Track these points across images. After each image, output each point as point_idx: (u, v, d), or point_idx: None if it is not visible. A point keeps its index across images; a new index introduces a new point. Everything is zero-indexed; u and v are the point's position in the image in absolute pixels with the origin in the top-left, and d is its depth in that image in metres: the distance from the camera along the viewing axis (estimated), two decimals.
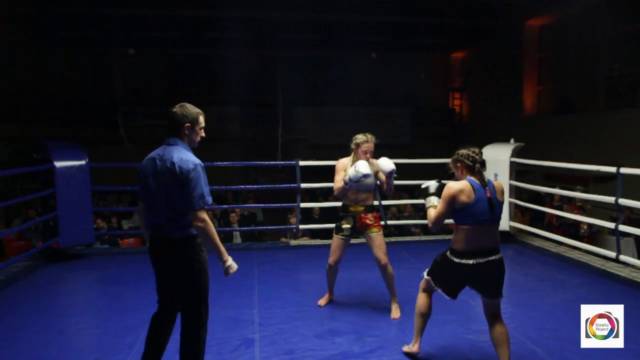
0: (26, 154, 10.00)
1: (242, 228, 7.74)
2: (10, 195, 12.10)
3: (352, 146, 3.96)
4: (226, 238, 7.35)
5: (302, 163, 6.17)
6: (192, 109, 2.67)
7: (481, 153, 2.90)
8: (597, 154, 9.74)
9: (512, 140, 6.45)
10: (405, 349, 3.25)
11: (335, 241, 3.98)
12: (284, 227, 7.04)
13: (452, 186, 2.80)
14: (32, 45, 14.89)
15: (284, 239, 7.05)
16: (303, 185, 6.26)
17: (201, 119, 2.70)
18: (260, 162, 8.46)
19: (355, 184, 3.79)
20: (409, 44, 16.42)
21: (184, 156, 2.54)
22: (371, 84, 17.97)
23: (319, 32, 14.50)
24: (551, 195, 8.36)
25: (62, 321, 3.98)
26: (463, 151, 2.91)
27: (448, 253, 2.92)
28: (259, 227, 8.11)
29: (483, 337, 3.46)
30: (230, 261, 2.62)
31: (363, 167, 3.66)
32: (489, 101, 16.05)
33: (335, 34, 14.50)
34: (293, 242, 6.54)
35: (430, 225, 2.96)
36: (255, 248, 6.14)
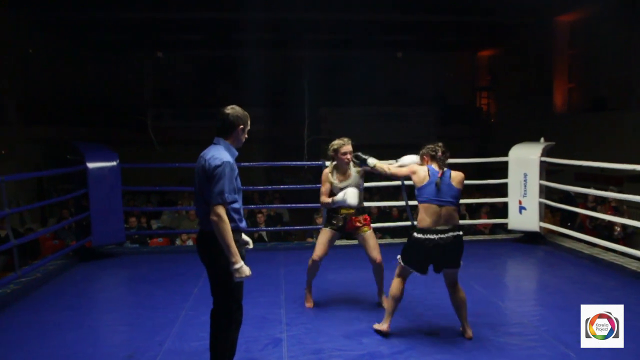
0: (59, 155, 10.29)
1: (269, 228, 7.79)
2: (45, 196, 12.52)
3: (331, 153, 4.03)
4: (253, 238, 7.41)
5: (328, 163, 6.15)
6: (242, 111, 2.77)
7: (443, 146, 3.50)
8: (631, 152, 9.44)
9: (542, 139, 6.31)
10: (376, 326, 3.55)
11: (325, 233, 3.97)
12: (310, 227, 7.05)
13: (414, 166, 3.51)
14: (64, 50, 15.33)
15: (310, 239, 7.06)
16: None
17: (249, 121, 2.81)
18: (286, 163, 8.49)
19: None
20: (435, 43, 16.27)
21: (216, 154, 2.65)
22: (397, 83, 17.86)
23: (344, 32, 14.49)
24: (583, 195, 8.15)
25: (95, 318, 4.09)
26: (429, 145, 3.53)
27: (414, 233, 3.38)
28: (285, 227, 8.15)
29: (513, 339, 3.40)
30: (239, 264, 2.58)
31: (351, 198, 3.78)
32: (517, 99, 15.75)
33: (360, 33, 14.46)
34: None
35: (387, 172, 3.71)
36: (281, 248, 6.17)
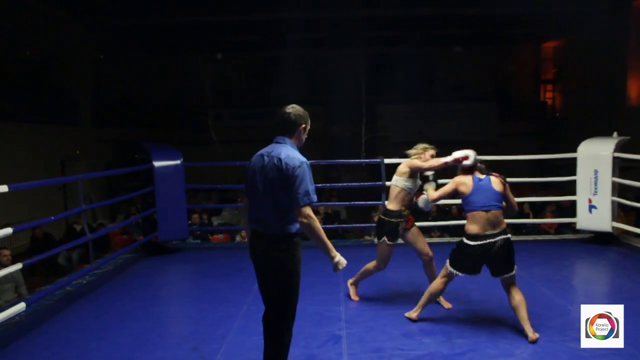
0: (127, 155, 10.84)
1: (326, 226, 7.82)
2: (114, 193, 13.24)
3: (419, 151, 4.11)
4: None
5: (387, 161, 6.10)
6: (303, 110, 2.74)
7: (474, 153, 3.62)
8: None
9: (615, 134, 5.94)
10: (407, 314, 3.74)
11: (390, 248, 3.99)
12: (367, 224, 7.02)
13: (457, 179, 3.62)
14: (131, 55, 16.12)
15: (367, 237, 7.03)
16: (388, 183, 6.19)
17: (309, 120, 2.78)
18: (345, 160, 8.51)
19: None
20: (495, 36, 15.69)
21: (291, 153, 2.60)
22: (455, 79, 17.40)
23: (402, 29, 14.28)
24: None
25: (161, 310, 4.27)
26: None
27: (463, 239, 3.49)
28: (343, 225, 8.16)
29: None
30: (338, 257, 2.67)
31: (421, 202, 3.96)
32: (586, 92, 14.88)
33: (417, 29, 14.20)
34: (376, 240, 6.49)
35: (435, 197, 3.73)
36: (339, 246, 6.15)
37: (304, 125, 2.72)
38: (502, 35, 15.87)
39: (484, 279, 4.65)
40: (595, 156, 5.79)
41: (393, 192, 3.99)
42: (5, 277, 5.22)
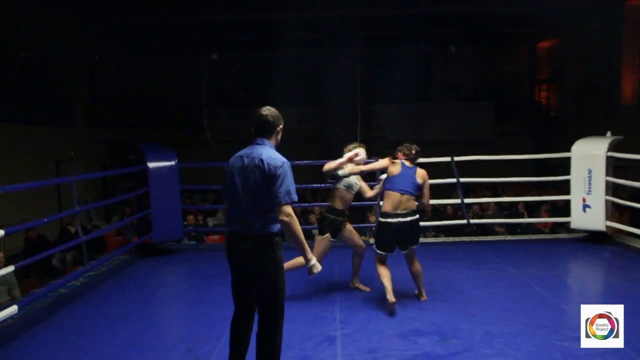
0: (122, 155, 10.81)
1: None
2: (109, 194, 13.19)
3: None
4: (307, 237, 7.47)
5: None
6: (278, 112, 2.79)
7: (417, 147, 4.13)
8: None
9: (608, 133, 5.96)
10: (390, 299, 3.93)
11: (324, 244, 4.24)
12: (364, 224, 7.01)
13: (390, 161, 4.08)
14: (125, 56, 16.07)
15: (363, 237, 7.02)
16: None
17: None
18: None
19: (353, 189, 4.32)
20: (490, 36, 15.72)
21: (272, 154, 2.65)
22: (451, 78, 17.43)
23: (395, 28, 14.29)
24: None
25: (156, 311, 4.25)
26: (407, 144, 4.13)
27: (380, 219, 3.99)
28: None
29: (578, 344, 3.23)
30: (314, 261, 2.72)
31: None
32: (580, 92, 14.95)
33: (411, 28, 14.21)
34: (373, 241, 6.50)
35: (364, 169, 4.15)
36: (334, 246, 6.16)
37: (280, 126, 2.78)
38: (498, 35, 15.89)
39: (480, 279, 4.69)
40: (589, 155, 5.81)
41: (334, 192, 4.29)
42: None
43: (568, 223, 6.21)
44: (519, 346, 3.24)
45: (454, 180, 6.24)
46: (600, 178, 5.73)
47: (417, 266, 4.10)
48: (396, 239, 3.97)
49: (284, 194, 2.56)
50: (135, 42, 15.66)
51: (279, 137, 2.81)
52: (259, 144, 2.71)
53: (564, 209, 6.66)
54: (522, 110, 17.45)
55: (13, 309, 3.59)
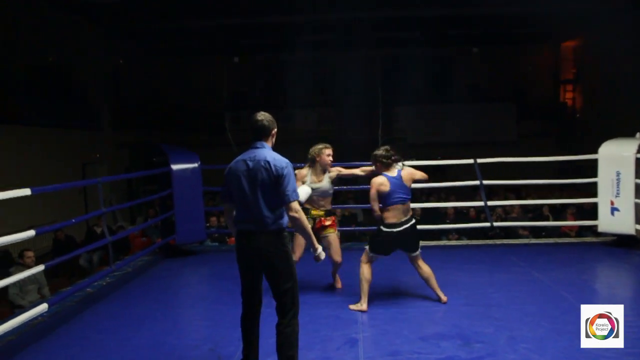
0: (145, 158, 10.99)
1: (343, 228, 7.81)
2: (134, 196, 13.41)
3: (313, 154, 4.35)
4: None
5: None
6: (272, 117, 2.98)
7: (391, 149, 4.06)
8: None
9: (638, 134, 5.82)
10: (353, 307, 4.01)
11: (300, 239, 4.31)
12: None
13: (376, 179, 3.99)
14: (148, 59, 16.35)
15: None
16: None
17: None
18: (360, 163, 8.49)
19: (315, 193, 4.27)
20: (513, 36, 15.53)
21: (276, 156, 2.85)
22: (473, 79, 17.27)
23: (418, 30, 14.22)
24: None
25: (179, 312, 4.32)
26: (379, 152, 4.02)
27: (382, 227, 3.98)
28: (360, 228, 8.14)
29: (609, 353, 3.15)
30: (320, 250, 3.00)
31: (303, 195, 3.99)
32: (607, 92, 14.61)
33: (433, 30, 14.13)
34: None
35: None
36: (356, 248, 6.15)
37: (275, 130, 2.97)
38: (520, 35, 15.70)
39: (503, 282, 4.62)
40: (618, 157, 5.68)
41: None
42: (29, 278, 5.34)
43: (595, 226, 6.07)
44: (544, 351, 3.19)
45: (476, 182, 6.18)
46: (630, 180, 5.59)
47: (425, 269, 4.10)
48: (396, 244, 4.01)
49: (291, 192, 2.78)
50: (158, 46, 15.92)
51: (274, 139, 2.99)
52: (259, 147, 2.88)
53: (591, 212, 6.52)
54: (546, 111, 17.15)
55: (43, 307, 3.69)
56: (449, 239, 7.69)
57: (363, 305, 3.99)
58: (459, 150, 10.77)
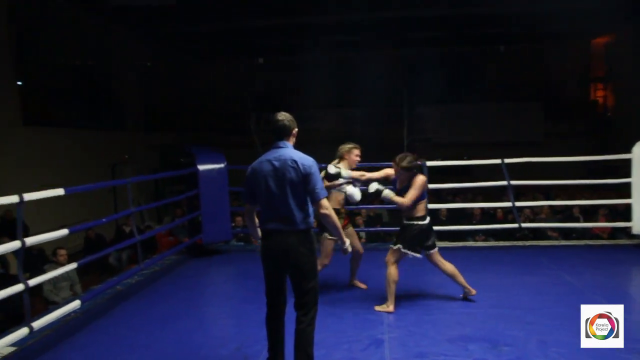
0: (173, 159, 11.16)
1: (368, 229, 7.80)
2: (161, 196, 13.63)
3: (342, 153, 4.44)
4: None
5: (428, 163, 6.01)
6: (292, 117, 3.00)
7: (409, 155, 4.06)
8: None
9: None
10: (379, 308, 4.00)
11: (332, 244, 4.26)
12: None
13: (423, 178, 4.02)
14: (175, 61, 16.61)
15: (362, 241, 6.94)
16: (430, 185, 6.10)
17: None
18: (384, 163, 8.43)
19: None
20: (541, 34, 15.20)
21: (301, 155, 2.87)
22: (498, 78, 16.98)
23: (443, 29, 14.06)
24: None
25: (206, 310, 4.38)
26: (406, 164, 3.98)
27: (423, 223, 4.02)
28: (385, 228, 8.10)
29: (638, 356, 3.07)
30: (348, 243, 3.09)
31: (358, 195, 4.20)
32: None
33: (459, 29, 13.95)
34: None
35: (407, 205, 3.95)
36: (381, 249, 6.13)
37: (296, 129, 2.99)
38: (549, 33, 15.35)
39: (532, 285, 4.53)
40: None
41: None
42: (62, 275, 5.48)
43: (629, 228, 5.89)
44: (575, 356, 3.11)
45: (504, 182, 6.07)
46: None
47: (448, 266, 4.11)
48: (425, 239, 4.07)
49: (320, 190, 2.83)
50: (185, 48, 16.16)
51: (294, 139, 3.01)
52: (282, 147, 2.90)
53: (625, 213, 6.34)
54: (576, 110, 16.73)
55: (76, 303, 3.79)
56: (475, 240, 7.58)
57: (390, 306, 3.99)
58: (484, 151, 10.61)
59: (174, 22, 12.76)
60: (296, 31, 14.15)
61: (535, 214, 8.44)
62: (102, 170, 11.98)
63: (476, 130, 15.54)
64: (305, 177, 2.78)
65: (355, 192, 4.16)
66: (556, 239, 7.40)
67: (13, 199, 3.23)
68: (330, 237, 4.30)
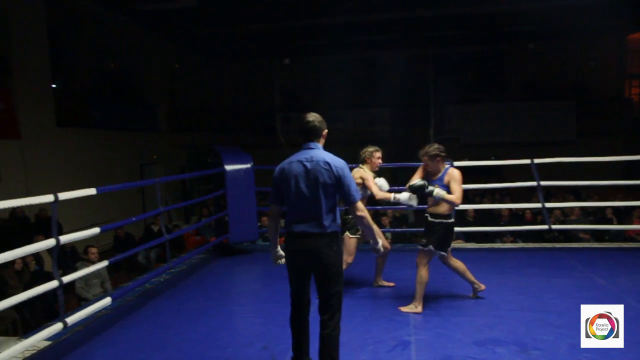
0: (200, 159, 11.33)
1: (394, 229, 7.75)
2: (188, 196, 13.86)
3: (365, 156, 4.42)
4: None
5: (456, 164, 5.92)
6: (322, 117, 2.96)
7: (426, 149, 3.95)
8: None
9: None
10: (405, 309, 3.94)
11: (354, 242, 4.32)
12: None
13: (458, 171, 3.91)
14: (202, 63, 16.85)
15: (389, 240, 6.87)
16: None
17: None
18: (412, 163, 8.37)
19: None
20: (573, 30, 14.81)
21: (332, 156, 2.83)
22: (528, 76, 16.65)
23: (471, 27, 13.86)
24: None
25: (232, 309, 4.42)
26: (437, 146, 3.92)
27: (448, 221, 3.94)
28: (411, 229, 8.04)
29: None
30: (381, 243, 3.17)
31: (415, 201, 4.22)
32: None
33: (486, 27, 13.72)
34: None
35: (459, 202, 3.85)
36: (407, 250, 6.09)
37: (326, 130, 2.94)
38: (581, 29, 14.95)
39: (562, 288, 4.43)
40: None
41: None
42: (93, 273, 5.63)
43: None
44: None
45: (533, 183, 5.95)
46: None
47: (458, 263, 4.10)
48: (451, 239, 4.05)
49: (355, 192, 2.80)
50: (212, 50, 16.37)
51: (324, 140, 2.96)
52: (313, 148, 2.86)
53: None
54: (610, 108, 16.24)
55: (107, 300, 3.88)
56: (503, 242, 7.45)
57: (418, 307, 3.96)
58: (514, 151, 10.41)
59: (201, 25, 12.94)
60: (321, 32, 14.17)
61: (565, 216, 8.24)
62: (132, 170, 12.25)
63: (505, 130, 15.26)
64: (338, 180, 2.74)
65: (411, 198, 4.18)
66: (587, 241, 7.21)
67: (49, 198, 3.31)
68: (352, 236, 4.32)
